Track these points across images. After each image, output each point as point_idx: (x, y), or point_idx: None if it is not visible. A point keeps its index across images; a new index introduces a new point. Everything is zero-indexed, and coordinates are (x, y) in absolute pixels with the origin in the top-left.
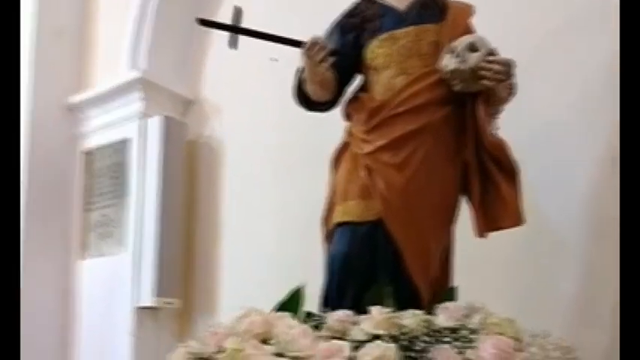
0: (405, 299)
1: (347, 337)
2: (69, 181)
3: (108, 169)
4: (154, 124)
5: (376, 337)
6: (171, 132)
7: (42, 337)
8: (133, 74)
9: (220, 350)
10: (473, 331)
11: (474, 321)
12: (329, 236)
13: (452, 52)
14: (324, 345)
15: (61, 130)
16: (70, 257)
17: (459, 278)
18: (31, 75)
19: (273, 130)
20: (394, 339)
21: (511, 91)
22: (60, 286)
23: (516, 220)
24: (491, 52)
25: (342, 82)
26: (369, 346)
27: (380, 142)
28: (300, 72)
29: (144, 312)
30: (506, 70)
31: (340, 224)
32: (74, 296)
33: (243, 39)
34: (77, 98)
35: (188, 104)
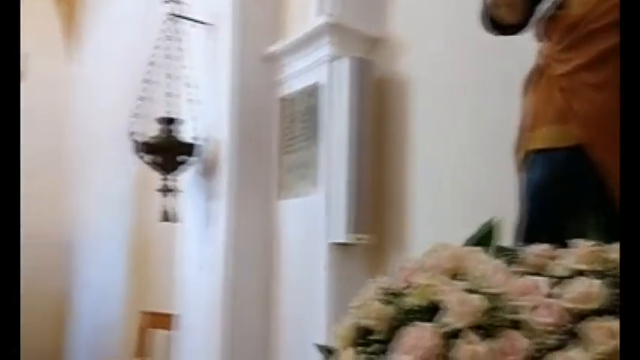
0: (611, 231)
1: (545, 273)
2: (269, 126)
3: (302, 114)
4: (343, 66)
5: (578, 272)
6: (360, 72)
7: (248, 270)
8: (321, 20)
9: (410, 286)
10: None
11: None
12: (523, 165)
13: None
14: (519, 281)
15: (260, 79)
16: (271, 198)
17: None
18: (234, 31)
19: (463, 61)
20: (599, 275)
21: None
22: (262, 224)
23: None
24: None
25: (532, 1)
26: (570, 282)
27: (578, 61)
28: None
29: (338, 248)
30: None
31: (535, 152)
32: (275, 234)
33: None
34: (274, 48)
35: (376, 43)
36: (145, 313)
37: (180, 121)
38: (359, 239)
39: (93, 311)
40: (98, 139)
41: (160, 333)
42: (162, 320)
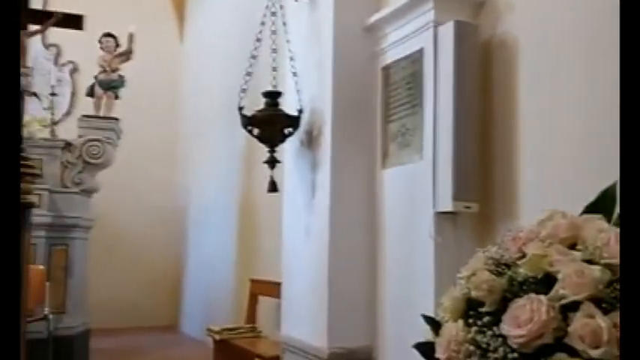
0: None
1: None
2: (371, 96)
3: (405, 82)
4: (446, 30)
5: None
6: (464, 36)
7: (351, 238)
8: None
9: (522, 256)
10: None
11: None
12: None
13: None
14: None
15: (362, 49)
16: (374, 167)
17: None
18: (335, 3)
19: (573, 20)
20: None
21: None
22: (366, 193)
23: None
24: None
25: None
26: None
27: None
28: None
29: (443, 217)
30: None
31: None
32: (378, 203)
33: None
34: (375, 18)
35: (480, 6)
36: (254, 281)
37: (285, 94)
38: (466, 207)
39: (205, 279)
40: (208, 115)
41: (268, 300)
42: (270, 288)
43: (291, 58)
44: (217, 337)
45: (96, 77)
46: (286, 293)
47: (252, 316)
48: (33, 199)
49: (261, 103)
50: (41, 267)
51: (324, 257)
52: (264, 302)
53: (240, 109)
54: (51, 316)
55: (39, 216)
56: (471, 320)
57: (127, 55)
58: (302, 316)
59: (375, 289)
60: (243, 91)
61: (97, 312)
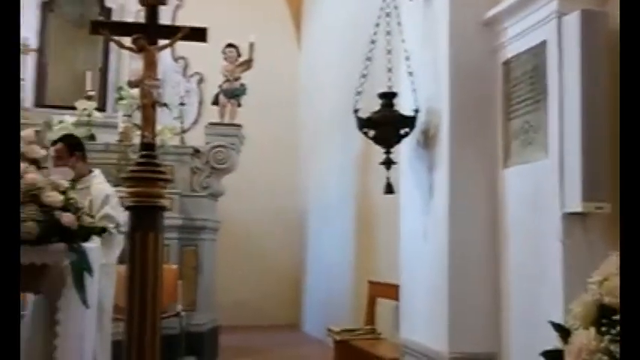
0: None
1: None
2: (490, 92)
3: (528, 76)
4: (572, 20)
5: None
6: (591, 25)
7: (472, 240)
8: None
9: None
10: None
11: None
12: None
13: None
14: None
15: (480, 44)
16: (495, 166)
17: None
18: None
19: None
20: None
21: None
22: (487, 193)
23: None
24: None
25: None
26: None
27: None
28: None
29: (572, 218)
30: None
31: None
32: (500, 204)
33: None
34: (493, 12)
35: None
36: (372, 283)
37: (400, 95)
38: (597, 208)
39: (325, 280)
40: (325, 118)
41: (387, 302)
42: (388, 290)
43: (407, 58)
44: (337, 337)
45: (220, 86)
46: (405, 296)
47: (370, 317)
48: (165, 202)
49: (376, 105)
50: (174, 266)
51: (443, 259)
52: (383, 304)
53: (356, 111)
54: (183, 313)
55: (171, 218)
56: (604, 328)
57: (248, 63)
58: (421, 319)
59: (499, 293)
60: (359, 93)
61: (224, 310)
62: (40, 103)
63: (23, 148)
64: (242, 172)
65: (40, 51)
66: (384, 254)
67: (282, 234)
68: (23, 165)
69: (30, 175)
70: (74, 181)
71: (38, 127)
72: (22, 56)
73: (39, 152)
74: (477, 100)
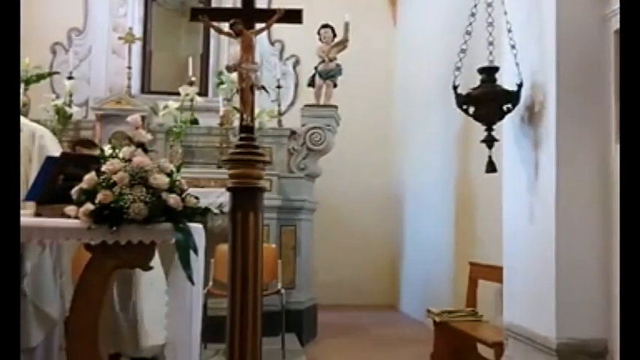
0: None
1: None
2: (601, 63)
3: None
4: None
5: None
6: None
7: (581, 222)
8: None
9: None
10: None
11: None
12: None
13: None
14: None
15: (589, 13)
16: (607, 142)
17: None
18: None
19: None
20: None
21: None
22: (598, 172)
23: None
24: None
25: None
26: None
27: None
28: None
29: None
30: None
31: None
32: (612, 183)
33: None
34: None
35: None
36: (474, 264)
37: (502, 70)
38: None
39: (423, 261)
40: (422, 96)
41: (489, 284)
42: (490, 272)
43: (509, 30)
44: (437, 319)
45: (316, 68)
46: (509, 278)
47: (472, 299)
48: (265, 184)
49: (476, 81)
50: (273, 246)
51: (550, 242)
52: (485, 286)
53: (455, 87)
54: (283, 291)
55: (270, 199)
56: None
57: (343, 44)
58: (527, 302)
59: (610, 277)
60: (458, 69)
61: (322, 289)
62: (145, 89)
63: (131, 132)
64: (338, 152)
65: (145, 40)
66: (485, 235)
67: (379, 214)
68: (131, 149)
69: (138, 159)
70: None
71: (144, 112)
72: (128, 45)
73: (145, 137)
74: (586, 72)
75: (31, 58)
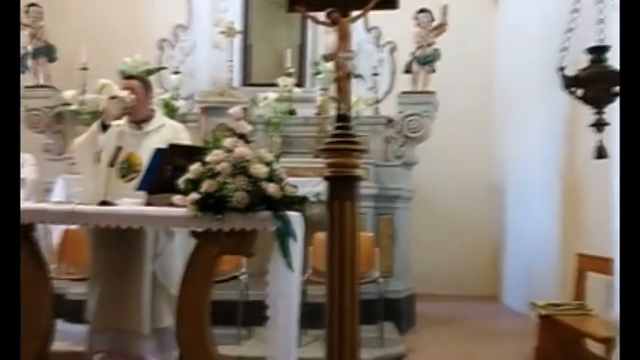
0: None
1: None
2: None
3: None
4: None
5: None
6: None
7: None
8: None
9: None
10: None
11: None
12: None
13: None
14: None
15: None
16: None
17: None
18: None
19: None
20: None
21: None
22: None
23: None
24: None
25: None
26: None
27: None
28: None
29: None
30: None
31: None
32: None
33: None
34: None
35: None
36: (582, 256)
37: (613, 49)
38: None
39: (526, 251)
40: (524, 80)
41: (598, 277)
42: (599, 264)
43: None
44: (542, 312)
45: (413, 54)
46: (621, 271)
47: (579, 292)
48: (361, 172)
49: (584, 61)
50: (370, 234)
51: None
52: (594, 278)
53: (561, 69)
54: (380, 280)
55: (366, 188)
56: None
57: (441, 28)
58: None
59: None
60: (564, 49)
61: (419, 278)
62: (246, 82)
63: (233, 124)
64: (436, 140)
65: (245, 33)
66: (594, 225)
67: (479, 203)
68: (233, 140)
69: (239, 149)
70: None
71: (245, 104)
72: (229, 39)
73: (246, 128)
74: None
75: (139, 54)
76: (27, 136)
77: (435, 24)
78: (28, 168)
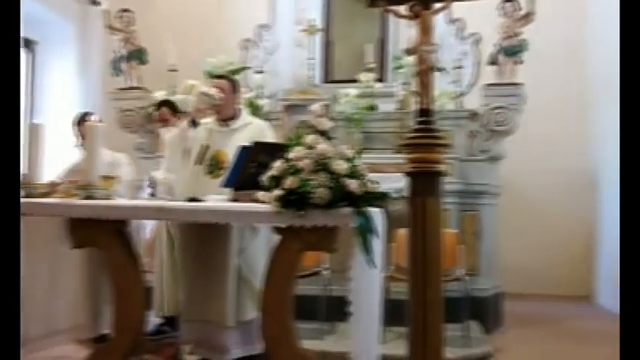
0: None
1: None
2: None
3: None
4: None
5: None
6: None
7: None
8: None
9: None
10: None
11: None
12: None
13: None
14: None
15: None
16: None
17: None
18: None
19: None
20: None
21: None
22: None
23: None
24: None
25: None
26: None
27: None
28: None
29: None
30: None
31: None
32: None
33: None
34: None
35: None
36: None
37: None
38: None
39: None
40: (616, 68)
41: None
42: None
43: None
44: None
45: (499, 44)
46: None
47: None
48: (444, 167)
49: None
50: (454, 231)
51: None
52: None
53: None
54: (466, 277)
55: (450, 183)
56: None
57: (528, 17)
58: None
59: None
60: None
61: (507, 277)
62: (327, 79)
63: (314, 121)
64: (524, 133)
65: (326, 30)
66: None
67: (570, 198)
68: (314, 136)
69: (321, 146)
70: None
71: (327, 101)
72: (310, 37)
73: (327, 124)
74: None
75: (224, 55)
76: (121, 136)
77: (521, 13)
78: (125, 169)
